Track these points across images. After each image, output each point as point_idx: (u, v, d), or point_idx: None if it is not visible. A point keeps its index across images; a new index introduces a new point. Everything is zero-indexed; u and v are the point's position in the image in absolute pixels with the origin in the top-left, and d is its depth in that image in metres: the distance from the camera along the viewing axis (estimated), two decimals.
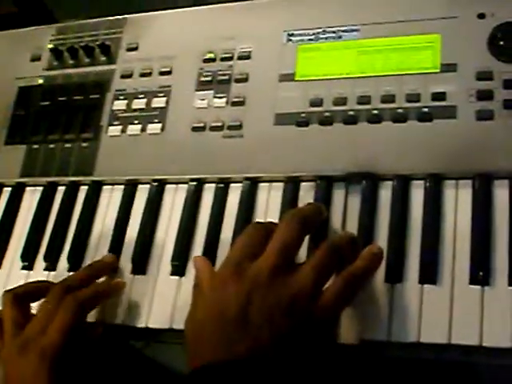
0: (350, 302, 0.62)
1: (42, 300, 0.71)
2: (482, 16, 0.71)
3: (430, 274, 0.64)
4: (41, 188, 0.83)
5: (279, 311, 0.59)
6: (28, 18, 0.99)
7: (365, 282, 0.64)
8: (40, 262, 0.78)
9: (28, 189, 0.84)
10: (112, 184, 0.80)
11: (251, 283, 0.60)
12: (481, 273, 0.62)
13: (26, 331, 0.69)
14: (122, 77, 0.84)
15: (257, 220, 0.72)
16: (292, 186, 0.72)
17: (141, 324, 0.71)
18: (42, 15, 0.99)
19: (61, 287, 0.71)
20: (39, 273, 0.78)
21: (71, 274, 0.75)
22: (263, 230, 0.64)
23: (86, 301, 0.70)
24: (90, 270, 0.74)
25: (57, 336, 0.67)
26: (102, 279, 0.75)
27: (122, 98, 0.82)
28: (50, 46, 0.88)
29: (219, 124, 0.76)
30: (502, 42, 0.70)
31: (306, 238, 0.66)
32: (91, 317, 0.72)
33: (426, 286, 0.64)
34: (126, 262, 0.75)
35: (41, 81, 0.87)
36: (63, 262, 0.77)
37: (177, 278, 0.72)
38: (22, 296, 0.71)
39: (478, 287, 0.62)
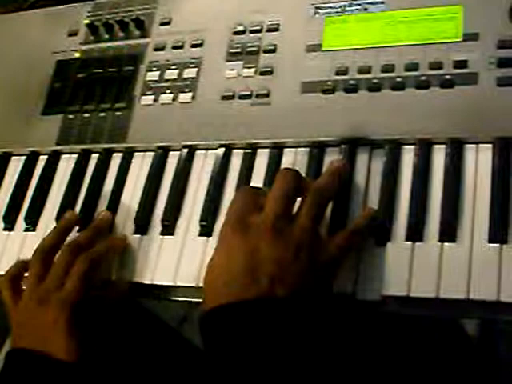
0: (355, 246, 0.67)
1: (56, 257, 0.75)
2: None
3: (449, 233, 0.66)
4: (75, 156, 0.86)
5: (287, 258, 0.62)
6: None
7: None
8: None
9: (63, 156, 0.87)
10: (144, 151, 0.83)
11: (256, 232, 0.63)
12: (499, 231, 0.64)
13: (45, 284, 0.73)
14: (155, 49, 0.87)
15: None
16: (317, 150, 0.74)
17: (168, 281, 0.74)
18: None
19: (72, 245, 0.75)
20: (72, 234, 0.80)
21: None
22: (255, 191, 0.69)
23: (98, 257, 0.74)
24: (96, 228, 0.78)
25: (74, 289, 0.71)
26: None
27: (154, 69, 0.85)
28: (87, 21, 0.92)
29: (248, 92, 0.79)
30: None
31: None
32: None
33: (445, 244, 0.65)
34: (155, 224, 0.77)
35: (77, 54, 0.91)
36: None
37: (204, 238, 0.74)
38: (47, 251, 0.76)
39: (497, 245, 0.64)
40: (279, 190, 0.66)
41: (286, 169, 0.69)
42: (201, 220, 0.75)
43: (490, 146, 0.69)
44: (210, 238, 0.74)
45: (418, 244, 0.66)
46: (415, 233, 0.67)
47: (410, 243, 0.67)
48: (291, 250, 0.62)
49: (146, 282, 0.75)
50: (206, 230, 0.75)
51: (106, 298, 0.75)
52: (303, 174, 0.73)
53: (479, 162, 0.69)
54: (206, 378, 0.62)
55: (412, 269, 0.65)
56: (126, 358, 0.78)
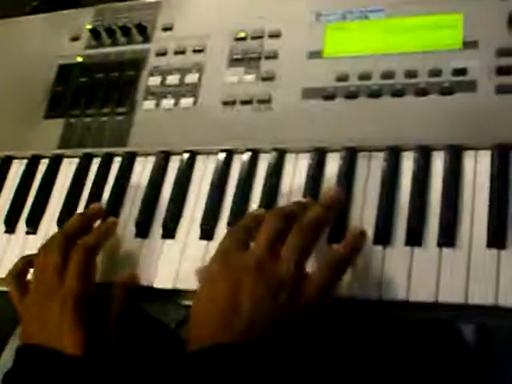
0: (335, 285, 0.65)
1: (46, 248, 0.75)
2: None
3: (448, 238, 0.66)
4: (77, 160, 0.86)
5: (267, 297, 0.62)
6: (59, 5, 1.02)
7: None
8: None
9: (65, 160, 0.87)
10: (145, 155, 0.83)
11: (240, 272, 0.63)
12: (497, 237, 0.64)
13: (46, 281, 0.73)
14: (157, 55, 0.88)
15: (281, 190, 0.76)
16: (318, 156, 0.75)
17: (168, 285, 0.74)
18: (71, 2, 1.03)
19: (64, 235, 0.75)
20: None
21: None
22: (254, 222, 0.68)
23: (93, 245, 0.74)
24: (85, 215, 0.79)
25: (75, 283, 0.71)
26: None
27: (156, 74, 0.86)
28: (89, 26, 0.93)
29: (249, 98, 0.80)
30: None
31: None
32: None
33: (444, 249, 0.66)
34: (157, 228, 0.78)
35: (80, 59, 0.92)
36: None
37: (205, 242, 0.75)
38: (68, 238, 0.75)
39: (495, 250, 0.64)
40: (267, 230, 0.66)
41: (275, 209, 0.70)
42: (202, 224, 0.76)
43: (488, 152, 0.69)
44: (211, 242, 0.75)
45: (417, 249, 0.67)
46: (414, 238, 0.67)
47: (409, 248, 0.67)
48: (271, 287, 0.62)
49: (146, 285, 0.75)
50: (206, 234, 0.75)
51: (112, 301, 0.74)
52: (304, 179, 0.75)
53: (478, 169, 0.69)
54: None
55: (411, 273, 0.66)
56: (124, 360, 0.78)
